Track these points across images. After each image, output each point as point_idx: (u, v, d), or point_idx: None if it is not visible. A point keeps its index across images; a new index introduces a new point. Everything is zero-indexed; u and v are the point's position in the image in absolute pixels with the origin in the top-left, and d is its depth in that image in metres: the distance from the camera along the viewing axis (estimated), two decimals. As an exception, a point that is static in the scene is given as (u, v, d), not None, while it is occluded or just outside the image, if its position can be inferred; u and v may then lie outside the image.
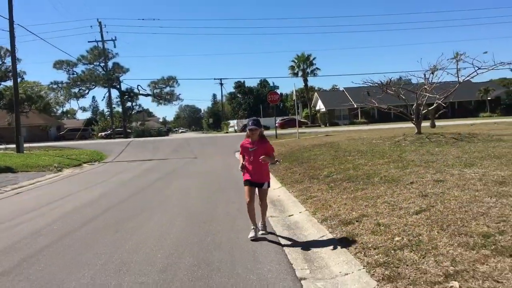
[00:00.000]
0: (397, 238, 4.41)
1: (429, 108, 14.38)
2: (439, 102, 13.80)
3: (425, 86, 13.42)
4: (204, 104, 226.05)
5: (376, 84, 14.54)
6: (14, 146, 27.27)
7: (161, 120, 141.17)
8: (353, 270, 3.93)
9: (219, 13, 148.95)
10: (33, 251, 5.14)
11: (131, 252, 4.88)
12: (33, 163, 17.18)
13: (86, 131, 60.38)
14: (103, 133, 59.26)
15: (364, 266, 3.90)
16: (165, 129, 61.72)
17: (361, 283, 3.64)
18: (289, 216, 6.51)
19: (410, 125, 17.91)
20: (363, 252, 4.21)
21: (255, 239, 5.12)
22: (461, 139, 12.60)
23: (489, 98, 57.58)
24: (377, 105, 15.23)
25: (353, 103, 47.31)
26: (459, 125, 24.56)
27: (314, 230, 5.45)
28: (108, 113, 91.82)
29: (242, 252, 4.73)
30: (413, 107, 14.40)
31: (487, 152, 9.22)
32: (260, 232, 5.31)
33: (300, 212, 6.57)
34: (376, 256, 4.04)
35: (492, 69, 13.04)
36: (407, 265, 3.70)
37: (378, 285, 3.48)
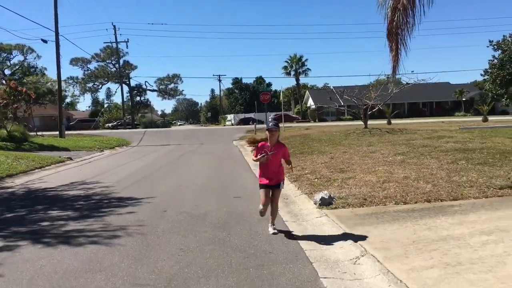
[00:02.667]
0: (306, 171, 10.04)
1: (373, 110, 20.06)
2: (379, 106, 19.48)
3: (367, 95, 19.10)
4: (202, 98, 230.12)
5: (337, 90, 20.16)
6: (44, 132, 32.78)
7: (159, 112, 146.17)
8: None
9: (220, 18, 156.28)
10: (137, 179, 10.76)
11: (187, 180, 10.51)
12: (80, 145, 22.73)
13: (95, 122, 65.90)
14: (109, 124, 64.74)
15: (288, 180, 9.53)
16: (169, 121, 67.30)
17: (286, 184, 9.28)
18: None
19: (378, 121, 23.58)
20: (289, 177, 9.84)
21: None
22: (389, 132, 18.28)
23: (463, 99, 63.16)
24: (337, 106, 20.86)
25: (340, 100, 53.39)
26: (411, 123, 30.26)
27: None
28: (107, 105, 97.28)
29: (241, 172, 10.38)
30: (362, 109, 20.07)
31: (389, 140, 14.92)
32: (271, 231, 5.23)
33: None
34: (294, 177, 9.65)
35: (414, 83, 18.74)
36: (304, 178, 9.31)
37: (291, 183, 9.11)
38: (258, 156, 5.23)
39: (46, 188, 9.64)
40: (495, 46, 56.50)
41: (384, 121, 30.49)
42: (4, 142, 19.85)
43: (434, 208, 5.81)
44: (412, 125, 26.02)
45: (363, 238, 4.73)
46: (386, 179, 7.81)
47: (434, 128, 20.00)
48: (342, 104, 53.89)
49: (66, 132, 37.44)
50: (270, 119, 5.36)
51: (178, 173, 11.62)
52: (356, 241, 4.63)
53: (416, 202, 6.15)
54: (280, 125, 23.20)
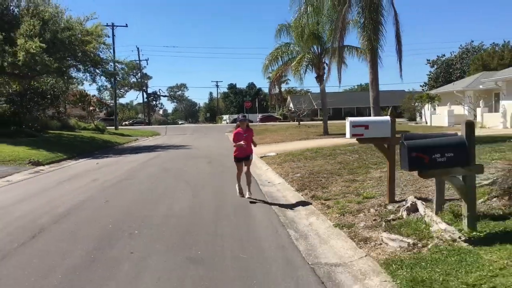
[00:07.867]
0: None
1: (303, 114, 35.47)
2: (306, 112, 35.03)
3: (298, 106, 34.51)
4: (201, 101, 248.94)
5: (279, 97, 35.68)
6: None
7: (161, 112, 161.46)
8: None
9: (222, 39, 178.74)
10: (182, 143, 26.19)
11: (203, 143, 25.95)
12: (133, 133, 38.06)
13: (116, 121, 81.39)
14: (126, 122, 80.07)
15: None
16: (175, 120, 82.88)
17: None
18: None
19: (320, 122, 39.10)
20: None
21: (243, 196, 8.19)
22: (298, 127, 33.62)
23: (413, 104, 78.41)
24: (288, 110, 36.34)
25: (314, 104, 69.21)
26: (333, 123, 45.69)
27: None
28: (111, 105, 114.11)
29: (225, 143, 25.85)
30: (297, 113, 35.56)
31: (299, 129, 30.33)
32: (247, 196, 8.08)
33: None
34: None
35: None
36: (247, 141, 24.77)
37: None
38: (237, 143, 7.91)
39: (149, 145, 25.09)
40: (431, 63, 72.71)
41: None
42: (94, 131, 35.26)
43: (274, 143, 21.20)
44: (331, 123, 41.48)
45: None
46: (270, 140, 23.19)
47: (335, 124, 35.48)
48: (315, 107, 69.82)
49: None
50: (240, 116, 8.84)
51: (198, 142, 27.02)
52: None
53: (269, 143, 21.52)
54: (264, 123, 39.67)
